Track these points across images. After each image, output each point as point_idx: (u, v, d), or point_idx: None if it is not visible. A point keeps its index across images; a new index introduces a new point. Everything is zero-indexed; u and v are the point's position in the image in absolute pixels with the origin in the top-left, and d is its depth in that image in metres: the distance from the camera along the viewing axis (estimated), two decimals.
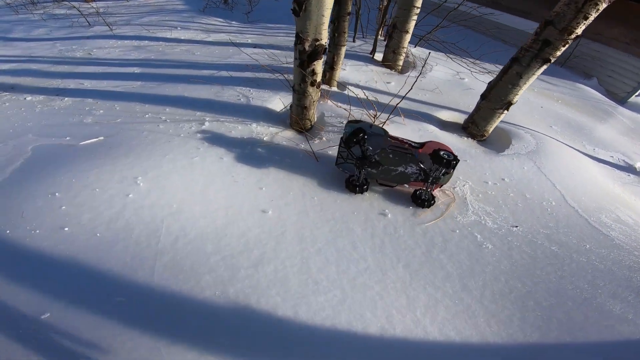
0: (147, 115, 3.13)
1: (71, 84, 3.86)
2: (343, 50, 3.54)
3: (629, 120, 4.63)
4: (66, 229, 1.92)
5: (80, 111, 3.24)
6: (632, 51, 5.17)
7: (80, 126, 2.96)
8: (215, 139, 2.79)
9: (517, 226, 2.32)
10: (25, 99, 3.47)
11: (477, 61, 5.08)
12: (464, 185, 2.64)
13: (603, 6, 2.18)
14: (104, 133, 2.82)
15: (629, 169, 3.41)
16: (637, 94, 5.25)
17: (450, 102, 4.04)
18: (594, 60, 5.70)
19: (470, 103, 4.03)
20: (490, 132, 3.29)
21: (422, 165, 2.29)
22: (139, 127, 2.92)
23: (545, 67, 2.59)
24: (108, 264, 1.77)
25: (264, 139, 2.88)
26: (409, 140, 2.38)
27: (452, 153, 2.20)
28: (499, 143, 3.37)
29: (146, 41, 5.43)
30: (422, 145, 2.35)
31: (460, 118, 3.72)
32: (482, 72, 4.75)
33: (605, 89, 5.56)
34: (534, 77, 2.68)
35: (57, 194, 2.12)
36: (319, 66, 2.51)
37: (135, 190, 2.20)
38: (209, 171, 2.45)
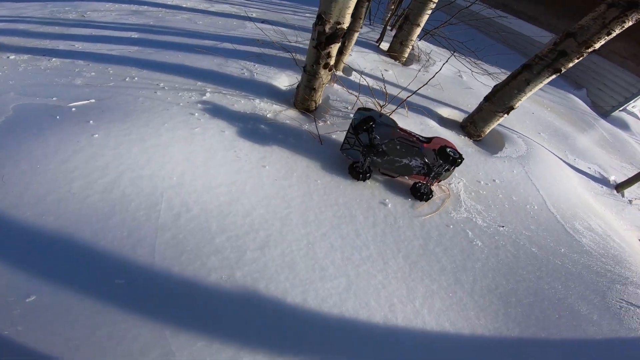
0: (143, 81, 2.92)
1: (61, 44, 3.49)
2: (355, 36, 3.45)
3: (608, 133, 4.93)
4: (54, 197, 1.73)
5: (69, 72, 2.95)
6: (628, 66, 5.27)
7: (68, 87, 2.70)
8: (217, 111, 2.67)
9: (503, 226, 2.46)
10: (8, 57, 3.11)
11: (479, 62, 5.14)
12: (458, 182, 2.73)
13: (629, 24, 2.21)
14: (95, 96, 2.59)
15: (603, 181, 3.66)
16: (620, 108, 5.53)
17: (451, 99, 4.10)
18: (588, 72, 5.87)
19: (469, 102, 4.11)
20: (486, 133, 3.39)
21: (426, 160, 2.34)
22: (135, 92, 2.72)
23: (553, 77, 2.66)
24: (103, 240, 1.61)
25: (267, 115, 2.80)
26: (417, 134, 2.41)
27: (457, 151, 2.26)
28: (493, 145, 3.49)
29: (145, 6, 5.02)
30: (429, 140, 2.39)
31: (459, 116, 3.79)
32: (483, 73, 4.82)
33: (591, 101, 5.82)
34: (541, 85, 2.75)
35: (43, 157, 1.92)
36: (335, 49, 2.43)
37: (132, 158, 2.06)
38: (210, 144, 2.34)
